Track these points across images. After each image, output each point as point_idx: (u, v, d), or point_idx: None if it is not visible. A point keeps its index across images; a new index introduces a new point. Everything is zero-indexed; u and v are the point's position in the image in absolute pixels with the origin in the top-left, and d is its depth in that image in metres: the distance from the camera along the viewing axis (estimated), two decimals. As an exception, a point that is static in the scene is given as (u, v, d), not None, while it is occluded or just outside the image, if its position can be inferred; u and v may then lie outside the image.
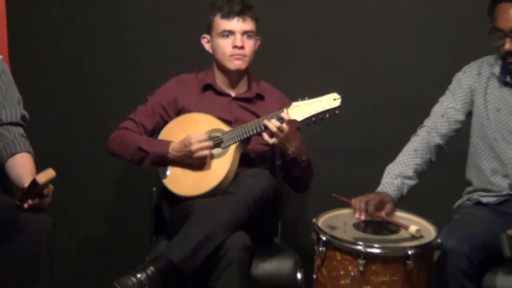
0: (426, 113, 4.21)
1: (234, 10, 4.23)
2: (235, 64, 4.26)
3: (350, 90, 4.19)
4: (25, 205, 3.67)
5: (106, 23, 5.07)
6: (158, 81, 4.45)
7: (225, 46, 4.25)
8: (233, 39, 4.24)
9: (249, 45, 4.27)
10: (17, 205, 3.70)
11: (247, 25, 4.25)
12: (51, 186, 3.70)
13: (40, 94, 4.84)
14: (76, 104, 5.10)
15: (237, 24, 4.24)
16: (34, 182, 3.62)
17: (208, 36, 4.36)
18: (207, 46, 4.38)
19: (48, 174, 3.64)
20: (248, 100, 4.37)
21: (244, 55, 4.26)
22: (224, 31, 4.25)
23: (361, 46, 4.95)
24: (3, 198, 3.91)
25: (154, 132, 4.35)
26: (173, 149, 4.18)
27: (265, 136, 4.02)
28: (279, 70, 4.61)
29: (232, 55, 4.25)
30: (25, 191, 3.70)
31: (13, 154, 3.99)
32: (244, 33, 4.25)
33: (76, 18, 5.09)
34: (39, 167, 3.82)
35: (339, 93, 3.98)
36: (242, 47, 4.24)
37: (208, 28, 4.33)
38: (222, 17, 4.25)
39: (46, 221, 3.73)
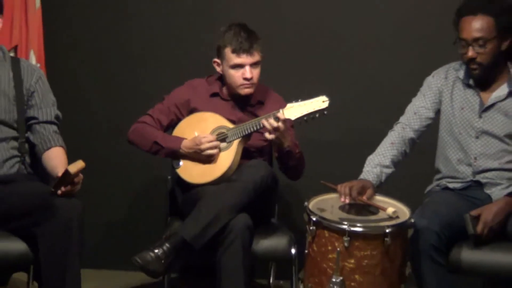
0: (401, 112, 4.23)
1: (243, 49, 4.18)
2: (245, 91, 4.26)
3: (337, 92, 4.17)
4: (59, 192, 3.69)
5: (127, 36, 5.08)
6: (173, 82, 4.45)
7: (236, 77, 4.22)
8: (243, 72, 4.20)
9: (256, 73, 4.24)
10: (51, 191, 3.73)
11: (255, 58, 4.21)
12: (81, 176, 3.72)
13: (71, 97, 4.82)
14: (100, 104, 5.11)
15: (246, 59, 4.19)
16: (66, 172, 3.65)
17: (218, 61, 4.30)
18: (218, 69, 4.33)
19: (79, 165, 3.67)
20: (250, 105, 4.37)
21: (253, 84, 4.25)
22: (235, 64, 4.20)
23: (347, 53, 4.94)
24: (40, 186, 3.94)
25: (169, 127, 4.35)
26: (185, 146, 4.20)
27: (265, 133, 4.04)
28: (276, 74, 4.61)
29: (242, 85, 4.23)
30: (58, 179, 3.72)
31: (48, 148, 4.03)
32: (252, 64, 4.22)
33: (101, 32, 5.10)
34: (70, 159, 3.85)
35: (327, 95, 3.99)
36: (251, 79, 4.22)
37: (218, 54, 4.28)
38: (233, 52, 4.20)
39: (76, 204, 3.76)
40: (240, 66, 4.21)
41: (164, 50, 5.07)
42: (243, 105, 4.35)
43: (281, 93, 4.39)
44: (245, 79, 4.21)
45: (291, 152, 4.15)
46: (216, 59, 4.32)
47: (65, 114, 4.24)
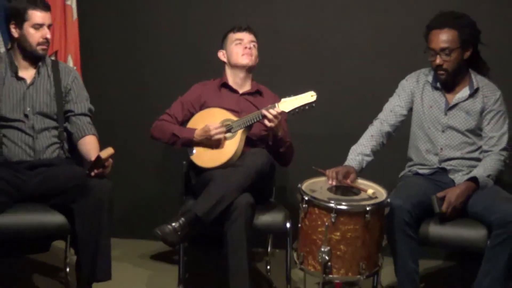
0: (379, 109, 4.22)
1: (243, 27, 4.36)
2: (246, 59, 4.34)
3: (326, 93, 4.17)
4: (92, 174, 3.72)
5: (150, 46, 5.06)
6: (186, 85, 4.45)
7: (238, 49, 4.34)
8: (243, 44, 4.33)
9: (254, 50, 4.37)
10: (86, 173, 3.76)
11: (252, 36, 4.37)
12: (110, 160, 3.74)
13: (102, 93, 4.81)
14: (127, 100, 5.10)
15: (245, 35, 4.36)
16: (98, 157, 3.67)
17: (223, 50, 4.41)
18: (222, 58, 4.41)
19: (109, 151, 3.70)
20: (251, 94, 4.38)
21: (251, 55, 4.34)
22: (237, 39, 4.34)
23: (334, 59, 4.93)
24: (77, 168, 3.96)
25: (183, 122, 4.36)
26: (197, 134, 4.19)
27: (265, 121, 4.06)
28: (272, 74, 4.60)
29: (243, 54, 4.32)
30: (92, 163, 3.74)
31: (82, 136, 4.05)
32: (250, 41, 4.34)
33: (127, 40, 5.10)
34: (102, 146, 3.87)
35: (315, 91, 4.01)
36: (250, 49, 4.33)
37: (223, 44, 4.40)
38: (235, 31, 4.37)
39: (107, 185, 3.79)
40: (241, 40, 4.37)
41: (178, 58, 5.05)
42: (246, 94, 4.39)
43: (276, 90, 4.38)
44: (246, 48, 4.36)
45: (282, 139, 4.18)
46: (221, 51, 4.43)
47: (97, 107, 4.25)
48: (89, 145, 4.02)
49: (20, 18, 3.94)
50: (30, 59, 4.05)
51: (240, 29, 4.39)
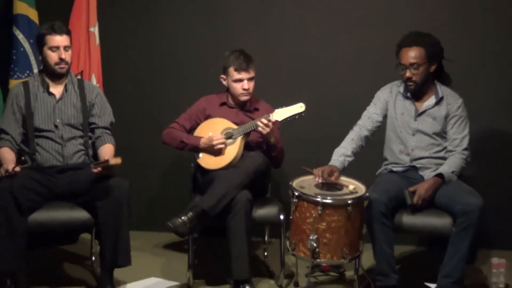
0: (358, 116, 4.21)
1: (242, 67, 4.19)
2: (244, 98, 4.24)
3: (313, 102, 4.17)
4: (95, 170, 3.72)
5: (163, 67, 5.05)
6: (193, 98, 4.43)
7: (237, 88, 4.22)
8: (242, 84, 4.20)
9: (251, 85, 4.23)
10: (91, 164, 3.78)
11: (250, 74, 4.21)
12: (117, 165, 3.73)
13: (122, 105, 4.75)
14: (143, 111, 5.06)
15: (244, 75, 4.19)
16: (107, 160, 3.69)
17: (224, 77, 4.28)
18: (224, 83, 4.29)
19: (118, 160, 3.71)
20: (248, 111, 4.33)
21: (249, 93, 4.24)
22: (237, 79, 4.21)
23: (320, 72, 4.90)
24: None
25: (191, 130, 4.33)
26: (203, 142, 4.17)
27: (260, 129, 4.04)
28: (266, 87, 4.56)
29: (242, 93, 4.23)
30: (100, 162, 3.77)
31: (102, 145, 4.06)
32: (248, 79, 4.22)
33: (143, 61, 5.08)
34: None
35: (304, 102, 4.00)
36: (248, 88, 4.22)
37: (224, 71, 4.26)
38: (235, 70, 4.20)
39: (125, 185, 3.82)
40: (240, 80, 4.21)
41: (185, 73, 5.03)
42: (244, 111, 4.32)
43: (270, 101, 4.35)
44: (244, 89, 4.22)
45: (275, 145, 4.15)
46: (222, 76, 4.30)
47: (118, 117, 4.25)
48: (106, 151, 4.02)
49: (41, 43, 3.99)
50: (55, 77, 4.06)
51: (240, 68, 4.19)
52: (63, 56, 3.97)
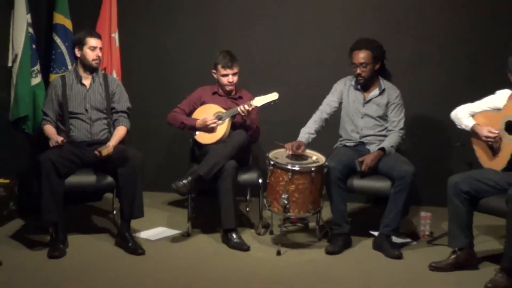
0: (320, 103, 4.17)
1: (227, 65, 4.14)
2: (229, 89, 4.21)
3: (285, 90, 4.15)
4: (97, 153, 3.71)
5: (169, 65, 4.99)
6: (192, 87, 4.38)
7: (224, 81, 4.17)
8: (227, 78, 4.15)
9: (235, 78, 4.18)
10: (95, 151, 3.74)
11: (234, 70, 4.16)
12: (108, 153, 3.71)
13: (138, 94, 4.65)
14: (154, 99, 4.99)
15: (229, 71, 4.14)
16: (100, 152, 3.69)
17: (214, 71, 4.22)
18: (214, 76, 4.23)
19: (109, 150, 3.72)
20: (234, 98, 4.27)
21: (233, 84, 4.20)
22: (223, 74, 4.16)
23: (291, 68, 4.88)
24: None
25: (190, 113, 4.26)
26: (198, 123, 4.12)
27: (240, 112, 4.02)
28: (247, 79, 4.48)
29: (227, 85, 4.19)
30: (99, 147, 3.74)
31: (117, 126, 4.00)
32: (233, 75, 4.17)
33: (153, 59, 5.03)
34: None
35: (277, 92, 4.01)
36: (232, 81, 4.18)
37: (215, 67, 4.20)
38: (222, 67, 4.15)
39: (139, 155, 3.82)
40: (226, 75, 4.17)
41: (188, 69, 4.98)
42: (231, 98, 4.27)
43: (251, 90, 4.30)
44: (229, 82, 4.18)
45: (249, 126, 4.10)
46: (213, 70, 4.24)
47: (134, 104, 4.18)
48: (117, 132, 3.96)
49: (81, 43, 3.96)
50: (88, 71, 4.02)
51: (226, 66, 4.13)
52: (99, 54, 3.98)
